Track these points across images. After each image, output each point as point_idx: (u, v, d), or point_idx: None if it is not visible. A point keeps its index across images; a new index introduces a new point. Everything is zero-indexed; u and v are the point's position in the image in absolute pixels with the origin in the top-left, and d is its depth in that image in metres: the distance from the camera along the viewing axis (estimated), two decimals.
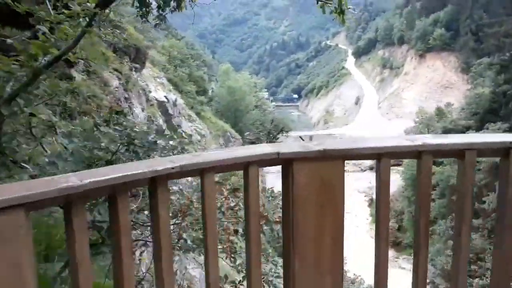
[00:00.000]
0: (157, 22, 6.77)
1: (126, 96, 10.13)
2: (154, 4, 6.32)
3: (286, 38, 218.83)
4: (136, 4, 6.27)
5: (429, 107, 53.57)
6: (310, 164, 1.82)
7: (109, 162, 2.95)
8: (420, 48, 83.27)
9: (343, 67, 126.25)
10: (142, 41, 14.58)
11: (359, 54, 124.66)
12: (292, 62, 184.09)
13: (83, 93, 7.08)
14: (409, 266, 34.78)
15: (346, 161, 1.90)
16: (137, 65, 13.66)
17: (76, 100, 6.87)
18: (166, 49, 40.30)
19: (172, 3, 6.06)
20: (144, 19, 6.59)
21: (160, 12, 6.21)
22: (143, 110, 21.15)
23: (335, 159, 1.85)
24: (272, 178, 59.08)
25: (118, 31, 11.39)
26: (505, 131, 34.70)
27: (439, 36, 77.22)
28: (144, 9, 6.25)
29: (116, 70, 10.17)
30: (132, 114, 10.41)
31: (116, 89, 9.32)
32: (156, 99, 27.68)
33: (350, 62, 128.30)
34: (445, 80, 76.87)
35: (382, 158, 1.88)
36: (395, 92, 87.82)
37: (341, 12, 4.48)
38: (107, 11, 12.01)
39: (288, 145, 1.93)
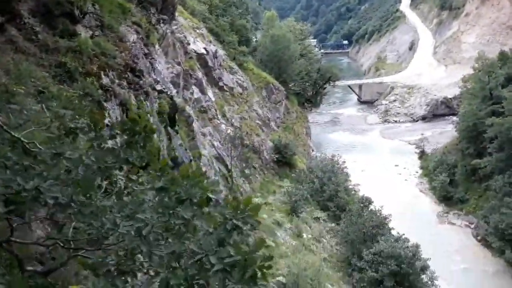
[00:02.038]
0: None
1: (146, 51, 9.48)
2: None
3: None
4: None
5: (491, 52, 48.82)
6: None
7: None
8: None
9: (397, 10, 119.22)
10: None
11: None
12: (342, 6, 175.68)
13: (87, 51, 6.50)
14: (459, 222, 33.34)
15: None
16: (165, 17, 12.87)
17: (78, 60, 6.31)
18: None
19: None
20: None
21: None
22: (179, 64, 20.59)
23: None
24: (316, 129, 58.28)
25: None
26: None
27: None
28: None
29: (135, 23, 9.48)
30: (153, 71, 9.80)
31: (134, 44, 8.68)
32: (195, 52, 27.03)
33: (404, 4, 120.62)
34: None
35: None
36: (454, 36, 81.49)
37: None
38: None
39: None
